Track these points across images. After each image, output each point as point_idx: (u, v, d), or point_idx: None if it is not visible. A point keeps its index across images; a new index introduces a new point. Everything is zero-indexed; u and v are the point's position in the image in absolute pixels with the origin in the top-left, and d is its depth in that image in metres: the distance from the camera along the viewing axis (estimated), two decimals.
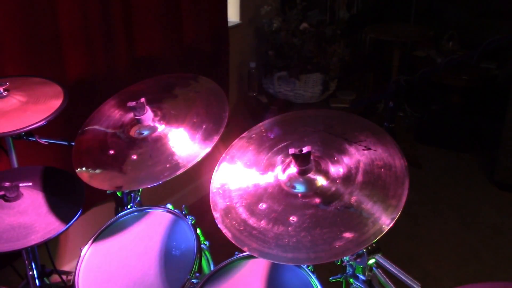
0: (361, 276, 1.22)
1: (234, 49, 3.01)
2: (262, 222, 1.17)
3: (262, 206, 1.20)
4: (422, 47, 3.85)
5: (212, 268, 1.48)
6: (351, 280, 1.24)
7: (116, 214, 1.68)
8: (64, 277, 2.11)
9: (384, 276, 1.21)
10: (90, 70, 2.20)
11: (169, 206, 1.53)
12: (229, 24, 2.98)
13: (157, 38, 2.48)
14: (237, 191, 1.25)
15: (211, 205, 1.24)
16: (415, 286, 1.10)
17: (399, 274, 1.14)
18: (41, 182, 1.59)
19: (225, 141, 1.42)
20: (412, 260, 2.61)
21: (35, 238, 1.42)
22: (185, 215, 1.50)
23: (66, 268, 2.47)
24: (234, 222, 1.20)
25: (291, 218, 1.15)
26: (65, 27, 2.03)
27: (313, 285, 1.27)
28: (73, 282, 1.38)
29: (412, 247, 2.71)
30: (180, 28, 2.60)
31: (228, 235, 1.17)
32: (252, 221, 1.18)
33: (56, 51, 2.03)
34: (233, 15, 3.12)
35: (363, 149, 1.24)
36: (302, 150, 1.17)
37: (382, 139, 1.26)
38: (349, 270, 1.25)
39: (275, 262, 1.14)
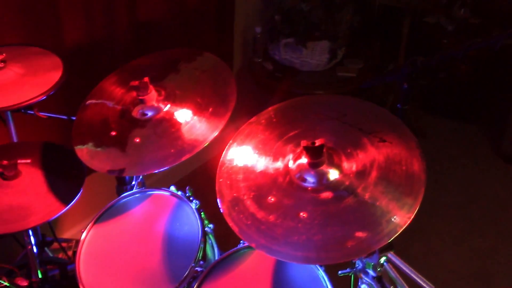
0: (371, 272, 1.18)
1: (239, 12, 2.90)
2: (271, 216, 1.12)
3: (271, 199, 1.15)
4: (432, 14, 3.71)
5: (216, 253, 1.44)
6: (361, 275, 1.21)
7: (117, 191, 1.63)
8: (64, 245, 2.09)
9: (395, 273, 1.17)
10: (90, 37, 2.11)
11: (173, 188, 1.49)
12: None
13: (159, 2, 2.37)
14: (245, 181, 1.20)
15: (217, 196, 1.19)
16: (427, 287, 1.07)
17: (412, 275, 1.10)
18: (41, 159, 1.54)
19: (233, 118, 1.36)
20: (414, 233, 2.59)
21: (35, 219, 1.38)
22: (189, 198, 1.45)
23: (66, 235, 2.46)
24: (241, 215, 1.15)
25: (301, 213, 1.11)
26: None
27: (321, 278, 1.24)
28: (75, 267, 1.35)
29: (414, 220, 2.68)
30: None
31: (235, 229, 1.13)
32: (260, 215, 1.13)
33: (53, 17, 1.93)
34: None
35: (378, 141, 1.18)
36: (314, 143, 1.11)
37: (399, 130, 1.20)
38: (358, 264, 1.21)
39: (283, 260, 1.10)
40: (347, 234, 1.06)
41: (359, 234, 1.05)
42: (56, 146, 1.61)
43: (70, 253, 2.23)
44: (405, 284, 1.15)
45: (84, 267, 1.35)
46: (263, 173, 1.20)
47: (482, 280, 2.37)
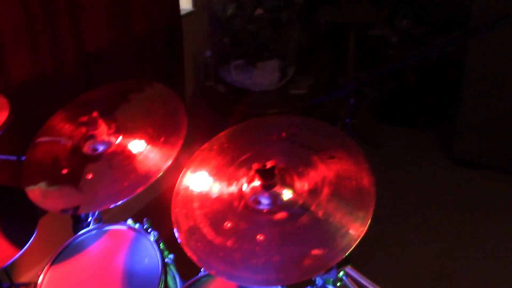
0: None
1: (188, 38, 2.92)
2: (228, 242, 1.13)
3: (228, 224, 1.16)
4: (377, 27, 3.83)
5: (178, 283, 1.43)
6: None
7: (74, 229, 1.61)
8: None
9: (355, 286, 1.19)
10: (36, 72, 2.07)
11: (130, 221, 1.47)
12: (182, 12, 2.88)
13: (106, 31, 2.36)
14: (201, 209, 1.20)
15: (174, 226, 1.18)
16: None
17: (370, 287, 1.12)
18: None
19: (189, 144, 1.37)
20: (375, 241, 2.63)
21: None
22: (146, 230, 1.44)
23: (24, 279, 2.38)
24: (199, 244, 1.15)
25: (258, 236, 1.12)
26: (5, 26, 1.89)
27: None
28: None
29: (374, 230, 2.73)
30: (129, 19, 2.49)
31: (194, 258, 1.13)
32: (218, 241, 1.14)
33: None
34: (185, 2, 3.01)
35: (328, 158, 1.21)
36: (266, 165, 1.13)
37: (348, 146, 1.23)
38: (319, 281, 1.23)
39: (244, 285, 1.10)
40: (304, 252, 1.07)
41: (316, 251, 1.07)
42: (5, 188, 1.57)
43: None
44: None
45: None
46: (218, 198, 1.21)
47: (443, 282, 2.43)
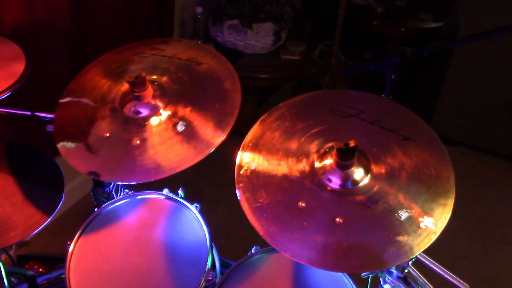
0: (396, 272, 1.17)
1: None
2: (304, 223, 1.07)
3: (302, 204, 1.09)
4: None
5: (216, 258, 1.35)
6: (385, 274, 1.19)
7: (94, 194, 1.49)
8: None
9: (417, 272, 1.17)
10: (30, 15, 1.89)
11: (166, 191, 1.37)
12: None
13: None
14: (269, 186, 1.12)
15: (242, 204, 1.10)
16: (462, 287, 1.08)
17: (444, 274, 1.11)
18: (8, 162, 1.35)
19: None
20: None
21: (15, 235, 1.22)
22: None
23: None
24: (270, 223, 1.08)
25: (336, 219, 1.06)
26: None
27: (344, 280, 1.21)
28: (65, 286, 1.20)
29: None
30: None
31: (267, 239, 1.06)
32: (292, 222, 1.07)
33: None
34: None
35: (402, 139, 1.16)
36: (348, 144, 1.06)
37: (419, 127, 1.19)
38: None
39: (325, 270, 1.05)
40: (387, 239, 1.03)
41: (400, 238, 1.03)
42: (22, 146, 1.41)
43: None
44: (428, 283, 1.15)
45: (78, 286, 1.21)
46: (288, 176, 1.13)
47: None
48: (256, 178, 1.14)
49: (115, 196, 1.43)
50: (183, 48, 1.43)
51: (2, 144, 1.40)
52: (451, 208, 1.06)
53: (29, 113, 1.46)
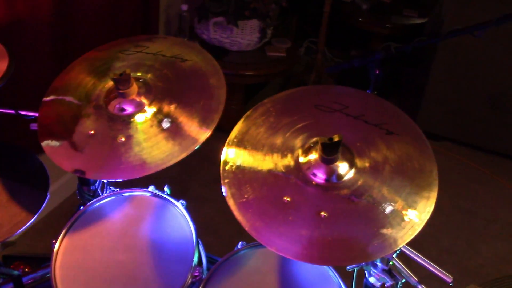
0: (381, 265, 1.18)
1: None
2: (290, 217, 1.07)
3: (287, 199, 1.10)
4: None
5: (203, 255, 1.36)
6: (369, 267, 1.20)
7: (80, 193, 1.48)
8: None
9: (401, 264, 1.18)
10: (10, 12, 1.87)
11: (152, 188, 1.37)
12: None
13: None
14: (254, 182, 1.13)
15: (227, 199, 1.11)
16: (446, 278, 1.09)
17: (428, 266, 1.12)
18: None
19: None
20: None
21: (1, 233, 1.20)
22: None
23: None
24: (256, 217, 1.08)
25: (321, 213, 1.07)
26: None
27: (330, 273, 1.22)
28: (51, 284, 1.20)
29: None
30: None
31: (253, 233, 1.06)
32: (277, 217, 1.08)
33: None
34: None
35: (386, 133, 1.17)
36: (332, 139, 1.07)
37: (403, 122, 1.20)
38: None
39: (312, 264, 1.06)
40: (372, 231, 1.04)
41: (384, 231, 1.04)
42: (5, 145, 1.41)
43: None
44: (412, 275, 1.16)
45: (62, 283, 1.20)
46: (273, 171, 1.14)
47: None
48: (242, 174, 1.14)
49: (100, 194, 1.43)
50: (168, 45, 1.43)
51: None
52: (434, 201, 1.08)
53: (13, 111, 1.45)
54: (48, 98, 1.31)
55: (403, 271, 1.18)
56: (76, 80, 1.33)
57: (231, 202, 1.10)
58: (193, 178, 2.73)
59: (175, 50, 1.38)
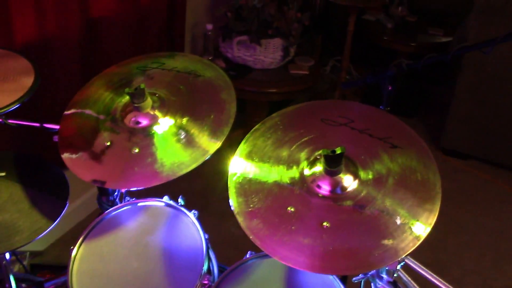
0: (386, 277, 1.19)
1: (189, 9, 2.83)
2: (293, 227, 1.10)
3: (291, 209, 1.13)
4: (371, 12, 3.84)
5: (214, 264, 1.40)
6: (375, 280, 1.22)
7: (99, 202, 1.55)
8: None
9: (407, 277, 1.20)
10: (41, 32, 1.97)
11: (166, 198, 1.42)
12: None
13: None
14: (260, 193, 1.17)
15: (234, 210, 1.15)
16: None
17: (431, 278, 1.13)
18: (16, 171, 1.42)
19: None
20: None
21: (20, 239, 1.27)
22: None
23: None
24: (261, 228, 1.12)
25: (324, 223, 1.10)
26: None
27: (335, 285, 1.24)
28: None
29: None
30: None
31: (257, 242, 1.10)
32: (281, 226, 1.11)
33: (2, 15, 1.79)
34: None
35: (390, 147, 1.19)
36: (335, 151, 1.10)
37: (408, 135, 1.22)
38: (373, 270, 1.22)
39: (312, 272, 1.09)
40: (373, 242, 1.06)
41: (385, 242, 1.06)
42: (30, 156, 1.48)
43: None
44: None
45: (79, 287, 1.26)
46: (278, 182, 1.18)
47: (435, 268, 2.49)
48: (248, 185, 1.18)
49: (118, 204, 1.49)
50: (184, 62, 1.49)
51: (13, 156, 1.47)
52: (437, 213, 1.09)
53: (37, 124, 1.53)
54: (68, 112, 1.38)
55: (409, 284, 1.19)
56: (96, 95, 1.40)
57: (237, 212, 1.14)
58: (209, 189, 2.78)
59: (190, 66, 1.44)
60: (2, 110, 1.37)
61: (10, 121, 1.50)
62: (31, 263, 2.21)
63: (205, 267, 1.26)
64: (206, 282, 1.26)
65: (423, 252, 2.53)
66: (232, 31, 2.87)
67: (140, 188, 1.24)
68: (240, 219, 1.13)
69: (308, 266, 1.06)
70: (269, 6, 2.87)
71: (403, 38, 3.60)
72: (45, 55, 2.04)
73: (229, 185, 1.18)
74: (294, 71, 2.99)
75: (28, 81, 1.45)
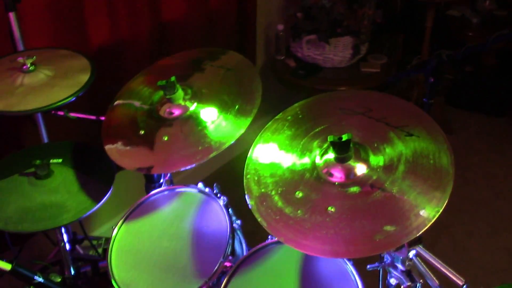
0: (400, 266, 1.18)
1: (261, 10, 2.91)
2: (299, 211, 1.13)
3: (299, 194, 1.16)
4: (456, 6, 3.67)
5: (244, 249, 1.46)
6: (389, 269, 1.21)
7: (146, 188, 1.67)
8: (94, 242, 2.13)
9: (424, 266, 1.17)
10: (114, 36, 2.15)
11: (200, 185, 1.51)
12: None
13: (181, 3, 2.40)
14: (272, 177, 1.21)
15: (246, 192, 1.20)
16: (458, 281, 1.07)
17: (442, 268, 1.10)
18: (72, 158, 1.58)
19: (256, 115, 1.38)
20: (441, 229, 2.57)
21: (67, 217, 1.42)
22: (216, 195, 1.47)
23: (96, 233, 2.50)
24: (269, 211, 1.16)
25: (329, 208, 1.11)
26: None
27: (350, 273, 1.24)
28: (107, 264, 1.38)
29: (441, 216, 2.66)
30: None
31: (264, 224, 1.14)
32: (288, 210, 1.15)
33: (78, 19, 1.97)
34: None
35: (406, 135, 1.18)
36: (341, 138, 1.12)
37: (426, 124, 1.20)
38: (387, 259, 1.22)
39: (312, 254, 1.11)
40: (375, 228, 1.06)
41: (388, 228, 1.05)
42: (86, 145, 1.64)
43: (100, 250, 2.28)
44: (434, 278, 1.15)
45: (116, 263, 1.38)
46: (290, 168, 1.21)
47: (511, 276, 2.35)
48: (263, 170, 1.23)
49: None
50: (225, 58, 1.58)
51: (71, 145, 1.64)
52: (445, 202, 1.07)
53: (94, 117, 1.69)
54: (113, 105, 1.52)
55: (425, 273, 1.17)
56: (138, 88, 1.52)
57: (249, 194, 1.19)
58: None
59: (226, 62, 1.52)
60: (60, 103, 1.53)
61: (71, 114, 1.67)
62: (104, 248, 2.39)
63: (228, 250, 1.33)
64: (228, 264, 1.32)
65: (502, 253, 2.41)
66: (302, 31, 2.91)
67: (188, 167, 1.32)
68: (252, 203, 1.18)
69: (310, 249, 1.09)
70: (338, 5, 2.87)
71: (490, 34, 3.40)
72: (117, 56, 2.21)
73: (245, 170, 1.24)
74: (365, 69, 2.96)
75: (84, 77, 1.61)
